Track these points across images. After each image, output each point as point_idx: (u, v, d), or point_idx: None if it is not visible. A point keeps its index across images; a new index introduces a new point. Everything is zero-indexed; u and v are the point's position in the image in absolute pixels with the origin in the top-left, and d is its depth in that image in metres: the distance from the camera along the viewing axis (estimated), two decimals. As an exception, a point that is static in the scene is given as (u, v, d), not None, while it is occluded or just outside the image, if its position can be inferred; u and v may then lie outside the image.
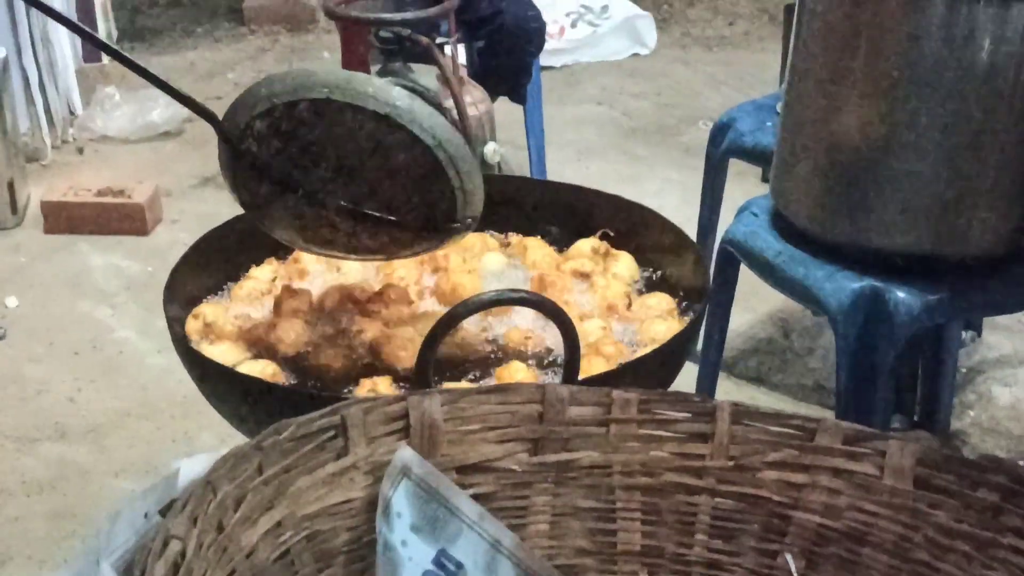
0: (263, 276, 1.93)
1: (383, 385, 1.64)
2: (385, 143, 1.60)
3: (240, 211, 1.84)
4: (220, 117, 1.69)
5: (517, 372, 1.66)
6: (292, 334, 1.76)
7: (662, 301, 1.87)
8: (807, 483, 1.28)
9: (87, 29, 1.75)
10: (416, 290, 1.89)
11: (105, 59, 4.97)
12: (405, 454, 1.21)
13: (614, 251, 1.98)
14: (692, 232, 2.14)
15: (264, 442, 1.14)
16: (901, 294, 2.10)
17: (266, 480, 1.13)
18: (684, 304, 1.87)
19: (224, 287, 1.94)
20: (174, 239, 3.61)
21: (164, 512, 1.05)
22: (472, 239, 1.99)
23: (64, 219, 3.80)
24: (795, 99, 2.17)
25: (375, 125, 1.58)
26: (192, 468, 1.08)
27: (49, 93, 4.33)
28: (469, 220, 1.69)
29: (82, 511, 2.61)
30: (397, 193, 1.63)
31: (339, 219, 1.64)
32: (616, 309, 1.85)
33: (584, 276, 1.93)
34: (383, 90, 1.60)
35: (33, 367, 3.14)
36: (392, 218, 1.64)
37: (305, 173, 1.62)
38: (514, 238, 2.06)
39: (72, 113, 4.49)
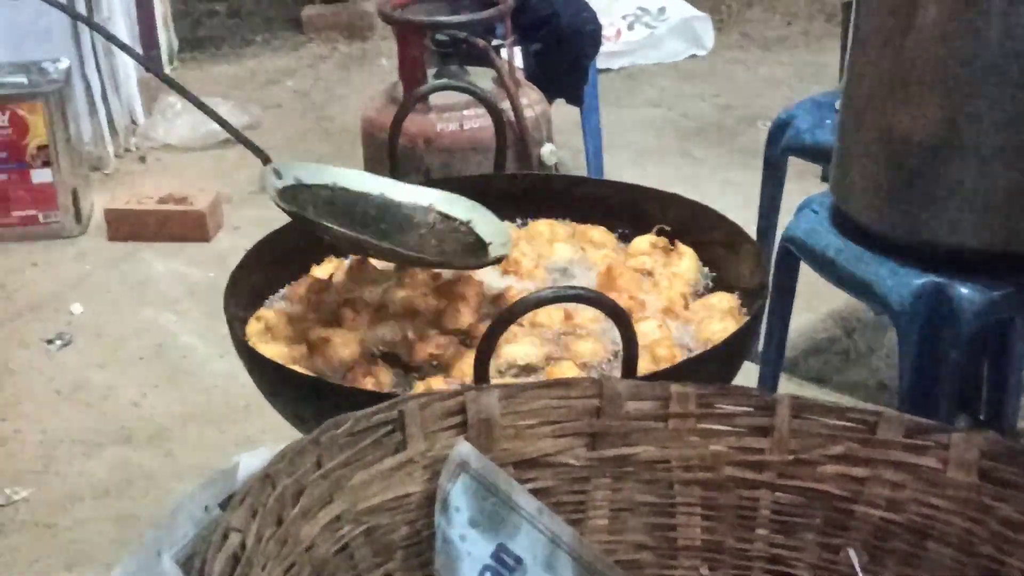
0: (322, 274, 1.94)
1: (436, 384, 1.64)
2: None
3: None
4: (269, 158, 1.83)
5: (568, 371, 1.66)
6: (346, 351, 1.76)
7: (723, 300, 1.85)
8: (869, 477, 1.27)
9: (140, 54, 1.86)
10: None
11: (167, 69, 5.03)
12: (463, 449, 1.22)
13: (680, 247, 1.97)
14: (752, 232, 2.13)
15: (322, 436, 1.15)
16: (965, 290, 2.07)
17: (325, 474, 1.14)
18: (744, 303, 1.86)
19: (285, 287, 1.96)
20: (235, 245, 3.64)
21: (224, 506, 1.06)
22: (540, 227, 2.03)
23: (127, 227, 3.85)
24: (854, 94, 2.15)
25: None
26: (251, 462, 1.09)
27: (112, 103, 4.39)
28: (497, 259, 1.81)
29: (147, 515, 2.63)
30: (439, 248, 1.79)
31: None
32: (674, 309, 1.84)
33: (647, 273, 1.93)
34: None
35: (98, 373, 3.18)
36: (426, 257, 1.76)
37: (351, 224, 1.76)
38: (578, 228, 2.06)
39: (134, 122, 4.54)
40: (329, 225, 1.73)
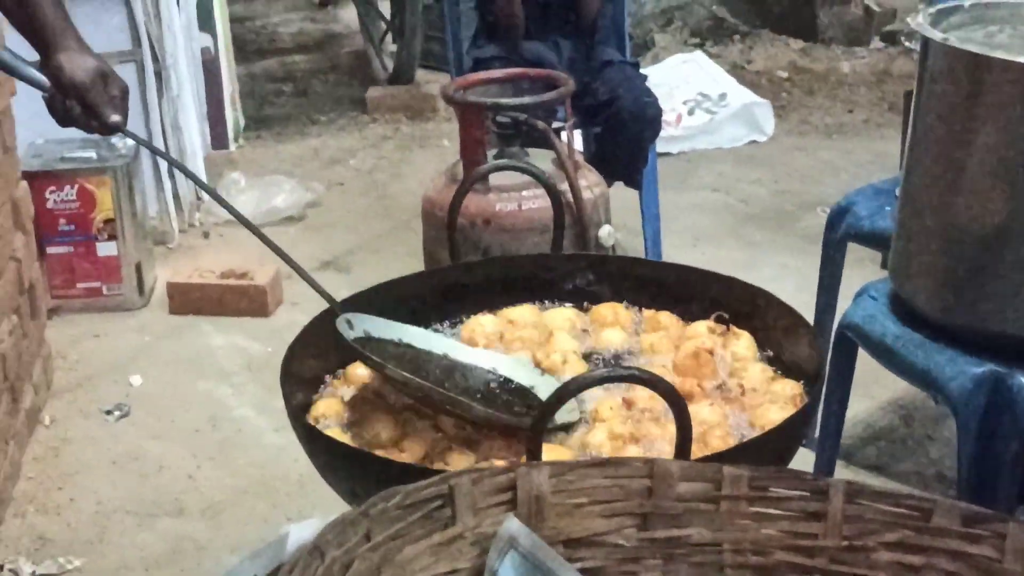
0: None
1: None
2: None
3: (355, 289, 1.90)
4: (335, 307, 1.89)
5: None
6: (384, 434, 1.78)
7: (787, 387, 1.84)
8: (924, 565, 1.25)
9: (187, 168, 1.99)
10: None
11: (232, 146, 5.12)
12: (512, 525, 1.21)
13: (735, 330, 1.97)
14: (809, 318, 2.12)
15: (372, 509, 1.15)
16: (1025, 379, 2.05)
17: (373, 547, 1.14)
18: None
19: (342, 367, 1.97)
20: (293, 320, 3.66)
21: (272, 576, 1.06)
22: (604, 310, 2.06)
23: (188, 300, 3.90)
24: (915, 182, 2.15)
25: None
26: (301, 534, 1.09)
27: (178, 179, 4.46)
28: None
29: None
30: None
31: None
32: (732, 395, 1.83)
33: (709, 352, 1.92)
34: None
35: (154, 444, 3.20)
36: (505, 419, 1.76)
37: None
38: (646, 312, 2.07)
39: (199, 198, 4.61)
40: (405, 375, 1.76)
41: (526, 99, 3.09)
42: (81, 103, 1.91)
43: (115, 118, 1.95)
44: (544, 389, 1.84)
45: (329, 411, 1.85)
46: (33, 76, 1.92)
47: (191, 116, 4.49)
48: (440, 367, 1.91)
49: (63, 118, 1.94)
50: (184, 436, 3.23)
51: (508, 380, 1.90)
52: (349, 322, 1.86)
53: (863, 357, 2.41)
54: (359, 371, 1.92)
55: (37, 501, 2.95)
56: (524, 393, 1.87)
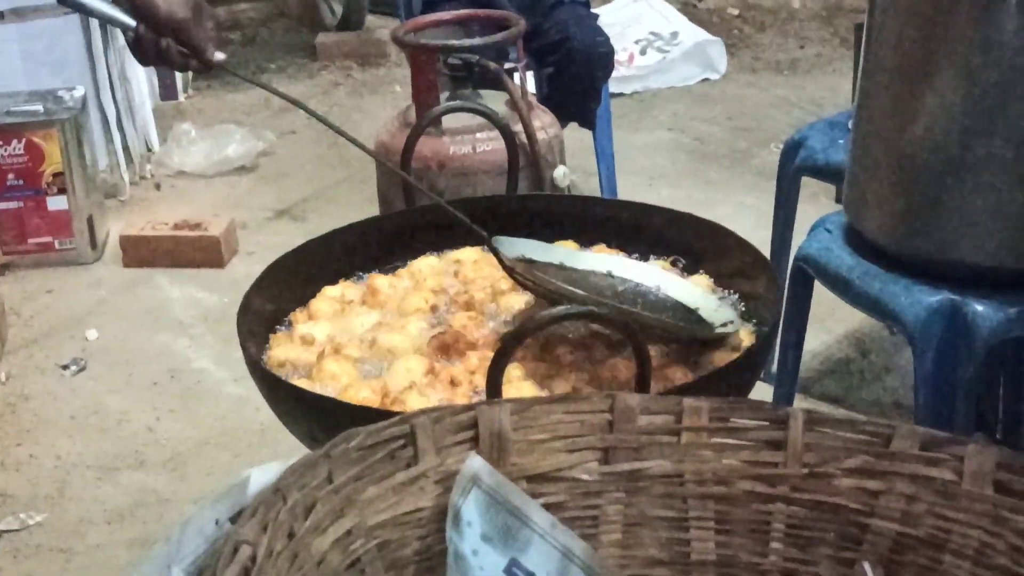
0: (334, 295, 1.95)
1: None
2: None
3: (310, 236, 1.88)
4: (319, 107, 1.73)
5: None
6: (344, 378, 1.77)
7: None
8: (884, 490, 1.26)
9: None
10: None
11: (181, 97, 5.06)
12: (475, 463, 1.21)
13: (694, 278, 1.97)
14: (766, 253, 2.13)
15: (333, 451, 1.15)
16: (979, 307, 2.06)
17: (336, 488, 1.13)
18: (756, 322, 1.86)
19: (299, 308, 1.96)
20: (250, 271, 3.63)
21: (234, 520, 1.06)
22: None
23: (142, 253, 3.86)
24: (867, 113, 2.15)
25: None
26: (262, 477, 1.09)
27: (127, 131, 4.41)
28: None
29: (161, 539, 2.62)
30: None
31: None
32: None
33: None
34: None
35: (113, 398, 3.18)
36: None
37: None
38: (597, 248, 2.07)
39: (149, 150, 4.57)
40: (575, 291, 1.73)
41: (477, 40, 3.07)
42: (179, 41, 1.71)
43: (219, 56, 1.74)
44: (707, 309, 1.85)
45: (288, 357, 1.84)
46: (116, 17, 1.71)
47: (138, 67, 4.43)
48: (605, 284, 1.90)
49: (155, 57, 1.73)
50: (143, 389, 3.22)
51: (668, 298, 1.89)
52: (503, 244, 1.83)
53: (819, 292, 2.42)
54: (322, 306, 1.92)
55: (-4, 458, 2.93)
56: (687, 312, 1.86)
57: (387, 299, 1.94)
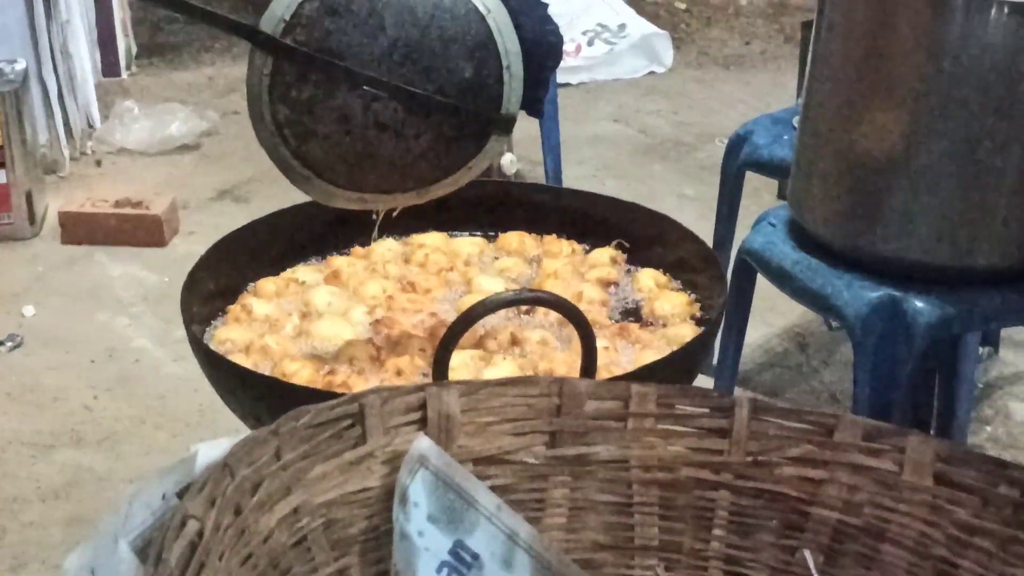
0: (286, 276, 1.96)
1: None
2: (442, 7, 1.59)
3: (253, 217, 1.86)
4: (256, 29, 1.66)
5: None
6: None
7: (684, 308, 1.87)
8: (826, 479, 1.28)
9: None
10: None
11: (124, 74, 5.00)
12: (423, 444, 1.21)
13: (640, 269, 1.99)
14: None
15: (282, 428, 1.14)
16: (919, 303, 2.09)
17: (284, 466, 1.13)
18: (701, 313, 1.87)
19: (243, 289, 1.95)
20: (191, 251, 3.61)
21: (181, 494, 1.05)
22: (510, 238, 2.06)
23: (82, 230, 3.82)
24: (813, 111, 2.17)
25: None
26: (210, 452, 1.08)
27: (68, 106, 4.35)
28: (511, 116, 1.70)
29: (97, 517, 2.60)
30: (448, 71, 1.62)
31: (388, 112, 1.59)
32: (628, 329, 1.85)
33: (612, 284, 1.94)
34: None
35: (50, 375, 3.15)
36: (442, 98, 1.61)
37: (358, 51, 1.58)
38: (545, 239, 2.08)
39: (91, 126, 4.51)
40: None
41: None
42: None
43: None
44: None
45: (230, 337, 1.83)
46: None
47: (81, 42, 4.38)
48: None
49: None
50: (80, 367, 3.18)
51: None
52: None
53: (759, 287, 2.44)
54: (269, 286, 1.92)
55: (-72, 434, 2.89)
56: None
57: (347, 279, 1.95)
